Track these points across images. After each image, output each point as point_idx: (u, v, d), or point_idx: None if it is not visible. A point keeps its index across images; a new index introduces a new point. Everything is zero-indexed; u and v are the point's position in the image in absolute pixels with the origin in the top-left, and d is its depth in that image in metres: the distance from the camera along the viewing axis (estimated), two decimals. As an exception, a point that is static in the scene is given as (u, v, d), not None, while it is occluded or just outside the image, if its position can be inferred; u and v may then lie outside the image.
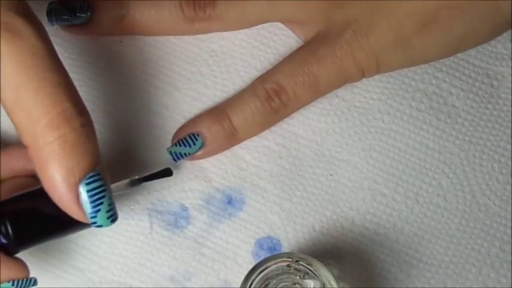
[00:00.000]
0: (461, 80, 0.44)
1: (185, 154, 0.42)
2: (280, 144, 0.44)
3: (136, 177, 0.39)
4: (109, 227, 0.42)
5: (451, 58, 0.44)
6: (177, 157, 0.42)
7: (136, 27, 0.42)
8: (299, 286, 0.39)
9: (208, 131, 0.42)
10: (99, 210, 0.34)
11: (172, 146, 0.42)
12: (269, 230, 0.43)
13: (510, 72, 0.44)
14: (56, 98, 0.32)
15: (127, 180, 0.39)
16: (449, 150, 0.44)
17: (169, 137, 0.43)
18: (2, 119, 0.42)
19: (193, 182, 0.43)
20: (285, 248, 0.43)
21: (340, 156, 0.43)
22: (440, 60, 0.44)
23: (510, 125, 0.44)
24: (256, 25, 0.44)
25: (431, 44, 0.41)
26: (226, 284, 0.42)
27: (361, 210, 0.43)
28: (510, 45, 0.44)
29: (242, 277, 0.38)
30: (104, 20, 0.42)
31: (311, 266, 0.38)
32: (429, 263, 0.43)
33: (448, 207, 0.43)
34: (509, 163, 0.43)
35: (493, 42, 0.44)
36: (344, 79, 0.42)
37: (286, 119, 0.43)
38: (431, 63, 0.44)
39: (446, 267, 0.43)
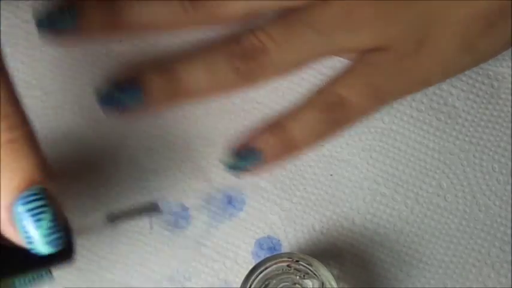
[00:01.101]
0: (462, 80, 0.44)
1: (243, 168, 0.41)
2: (280, 144, 0.44)
3: (115, 212, 0.37)
4: (109, 228, 0.43)
5: (451, 58, 0.44)
6: (234, 170, 0.41)
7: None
8: (299, 286, 0.39)
9: (266, 145, 0.41)
10: (35, 233, 0.30)
11: (229, 158, 0.41)
12: (269, 230, 0.43)
13: (510, 72, 0.44)
14: None
15: (102, 217, 0.37)
16: (449, 151, 0.44)
17: (172, 138, 0.43)
18: None
19: (193, 182, 0.43)
20: (285, 248, 0.43)
21: (340, 156, 0.43)
22: (441, 61, 0.44)
23: (510, 125, 0.44)
24: (312, 63, 0.42)
25: (495, 43, 0.40)
26: (226, 284, 0.42)
27: (361, 210, 0.43)
28: (510, 46, 0.44)
29: (242, 277, 0.38)
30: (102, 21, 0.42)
31: (311, 266, 0.38)
32: (429, 263, 0.43)
33: (448, 207, 0.43)
34: (509, 163, 0.43)
35: (493, 42, 0.44)
36: (409, 91, 0.42)
37: (286, 119, 0.43)
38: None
39: (446, 267, 0.43)
